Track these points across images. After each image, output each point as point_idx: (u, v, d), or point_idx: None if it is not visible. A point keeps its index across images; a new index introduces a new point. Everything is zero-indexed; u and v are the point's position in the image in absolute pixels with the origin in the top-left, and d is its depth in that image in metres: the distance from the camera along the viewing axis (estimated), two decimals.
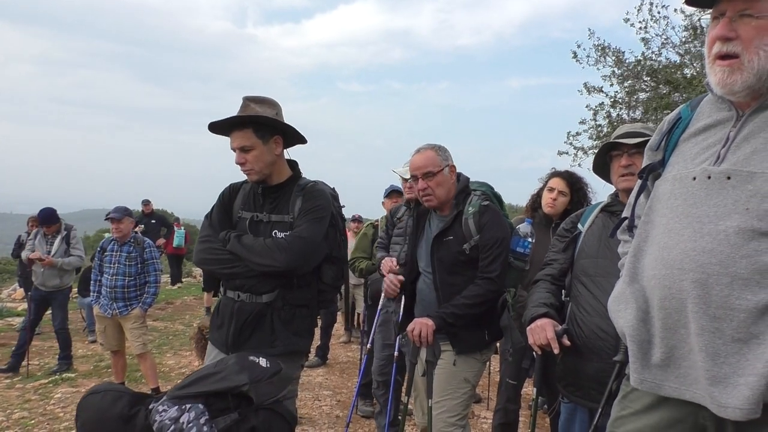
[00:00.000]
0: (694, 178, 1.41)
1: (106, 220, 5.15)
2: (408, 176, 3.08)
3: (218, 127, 2.46)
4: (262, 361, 2.31)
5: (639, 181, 1.65)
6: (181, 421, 2.12)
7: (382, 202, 5.02)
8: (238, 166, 2.46)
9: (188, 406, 2.15)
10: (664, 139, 1.61)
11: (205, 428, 2.10)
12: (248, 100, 2.46)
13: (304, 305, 2.51)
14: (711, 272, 1.31)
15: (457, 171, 2.81)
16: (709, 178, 1.38)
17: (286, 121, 2.51)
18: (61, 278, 6.26)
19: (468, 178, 2.84)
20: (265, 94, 2.54)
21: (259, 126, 2.42)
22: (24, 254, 6.37)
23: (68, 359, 6.34)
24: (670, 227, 1.43)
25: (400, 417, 3.17)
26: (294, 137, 2.56)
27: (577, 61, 11.98)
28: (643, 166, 1.65)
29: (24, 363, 6.15)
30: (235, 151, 2.45)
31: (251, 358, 2.32)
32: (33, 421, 4.66)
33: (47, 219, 6.20)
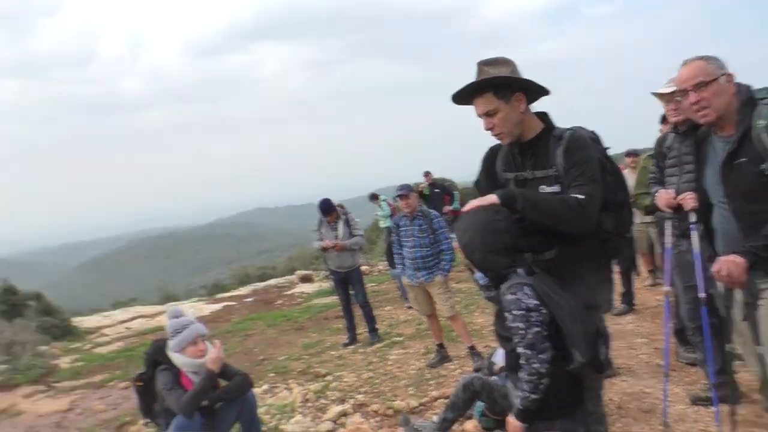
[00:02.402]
0: None
1: (395, 198, 5.75)
2: (668, 91, 2.65)
3: (460, 98, 2.47)
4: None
5: None
6: (531, 315, 2.20)
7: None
8: (488, 132, 2.47)
9: (547, 315, 2.22)
10: None
11: (544, 346, 2.19)
12: (481, 64, 2.43)
13: (588, 257, 2.41)
14: None
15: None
16: None
17: (523, 76, 2.40)
18: (353, 257, 7.05)
19: (749, 87, 2.31)
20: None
21: (498, 87, 2.38)
22: (315, 244, 7.15)
23: (375, 331, 7.06)
24: None
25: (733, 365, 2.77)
26: (536, 90, 2.44)
27: None
28: None
29: (359, 332, 7.27)
30: (481, 117, 2.45)
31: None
32: (378, 381, 5.37)
33: (328, 209, 7.00)
